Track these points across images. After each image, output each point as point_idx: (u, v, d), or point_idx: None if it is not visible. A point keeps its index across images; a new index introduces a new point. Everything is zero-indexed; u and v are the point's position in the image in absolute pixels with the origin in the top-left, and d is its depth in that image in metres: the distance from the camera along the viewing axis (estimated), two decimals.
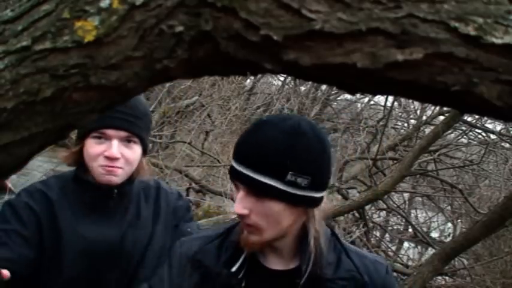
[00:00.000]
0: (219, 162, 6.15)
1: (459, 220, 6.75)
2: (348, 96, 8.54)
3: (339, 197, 5.09)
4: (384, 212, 6.58)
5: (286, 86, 9.43)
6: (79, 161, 1.26)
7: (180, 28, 0.51)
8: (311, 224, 0.99)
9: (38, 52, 0.51)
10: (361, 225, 5.37)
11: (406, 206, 7.05)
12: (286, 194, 0.92)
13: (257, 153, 0.92)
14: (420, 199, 7.69)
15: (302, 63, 0.50)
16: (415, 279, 3.49)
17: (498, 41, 0.46)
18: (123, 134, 1.21)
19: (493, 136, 5.90)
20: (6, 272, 1.07)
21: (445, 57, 0.47)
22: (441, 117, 5.23)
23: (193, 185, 5.70)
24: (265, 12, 0.49)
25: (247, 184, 0.93)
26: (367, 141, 6.18)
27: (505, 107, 0.49)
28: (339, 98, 10.36)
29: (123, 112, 1.20)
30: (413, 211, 7.68)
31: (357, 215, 5.43)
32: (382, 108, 7.34)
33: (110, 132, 1.20)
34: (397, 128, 7.84)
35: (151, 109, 4.89)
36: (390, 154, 6.01)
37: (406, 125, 7.95)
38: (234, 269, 0.99)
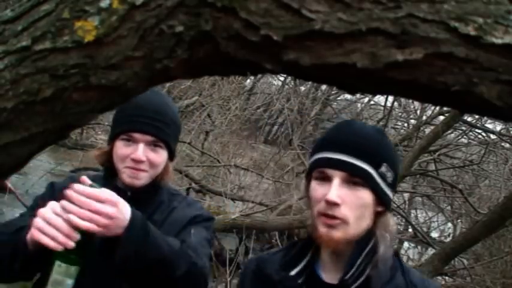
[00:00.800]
0: (219, 162, 6.15)
1: (459, 220, 6.76)
2: (348, 96, 8.55)
3: None
4: None
5: (286, 86, 9.44)
6: (109, 160, 1.32)
7: (180, 28, 0.51)
8: (382, 231, 1.00)
9: (38, 52, 0.51)
10: None
11: (406, 206, 7.05)
12: (378, 184, 0.98)
13: (357, 141, 0.99)
14: (420, 199, 7.69)
15: (302, 63, 0.50)
16: None
17: (498, 41, 0.46)
18: (149, 138, 1.27)
19: (493, 136, 5.91)
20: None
21: (445, 57, 0.47)
22: (441, 117, 5.23)
23: (193, 185, 5.70)
24: (265, 12, 0.49)
25: (347, 169, 0.97)
26: None
27: (505, 107, 0.49)
28: (339, 98, 10.38)
29: (152, 118, 1.26)
30: (413, 211, 7.67)
31: None
32: (382, 108, 7.35)
33: (137, 135, 1.26)
34: (397, 128, 7.85)
35: None
36: None
37: (406, 125, 7.96)
38: (293, 272, 1.02)
